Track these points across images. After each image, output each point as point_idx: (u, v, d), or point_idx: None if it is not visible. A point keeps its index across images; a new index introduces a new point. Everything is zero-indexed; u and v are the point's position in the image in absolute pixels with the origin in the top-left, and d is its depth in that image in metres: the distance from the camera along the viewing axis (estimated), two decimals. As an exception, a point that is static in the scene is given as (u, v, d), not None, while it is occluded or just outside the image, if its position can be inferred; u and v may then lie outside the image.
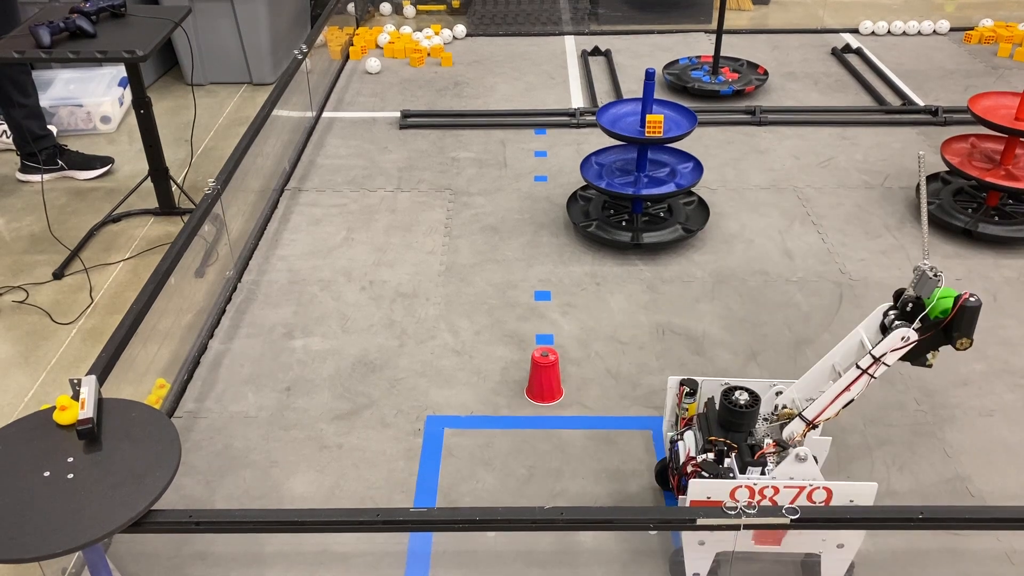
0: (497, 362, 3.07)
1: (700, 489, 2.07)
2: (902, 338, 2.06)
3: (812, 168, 4.29)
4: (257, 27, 5.31)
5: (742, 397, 2.26)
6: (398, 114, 4.86)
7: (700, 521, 1.97)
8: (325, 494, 2.56)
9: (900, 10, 6.35)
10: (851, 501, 2.07)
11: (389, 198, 4.09)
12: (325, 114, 4.95)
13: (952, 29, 6.00)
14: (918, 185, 2.18)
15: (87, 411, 2.07)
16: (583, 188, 3.97)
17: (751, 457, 2.20)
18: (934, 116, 4.72)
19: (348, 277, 3.53)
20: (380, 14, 6.62)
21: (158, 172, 3.92)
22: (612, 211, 3.80)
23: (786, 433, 2.20)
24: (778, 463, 2.17)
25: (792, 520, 1.95)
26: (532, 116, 4.85)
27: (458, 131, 4.71)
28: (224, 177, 3.39)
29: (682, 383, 2.39)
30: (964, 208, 3.76)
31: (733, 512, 1.96)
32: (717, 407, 2.31)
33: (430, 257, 3.65)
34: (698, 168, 3.73)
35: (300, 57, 4.49)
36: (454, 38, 6.04)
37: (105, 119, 4.84)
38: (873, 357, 2.09)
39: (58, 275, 3.61)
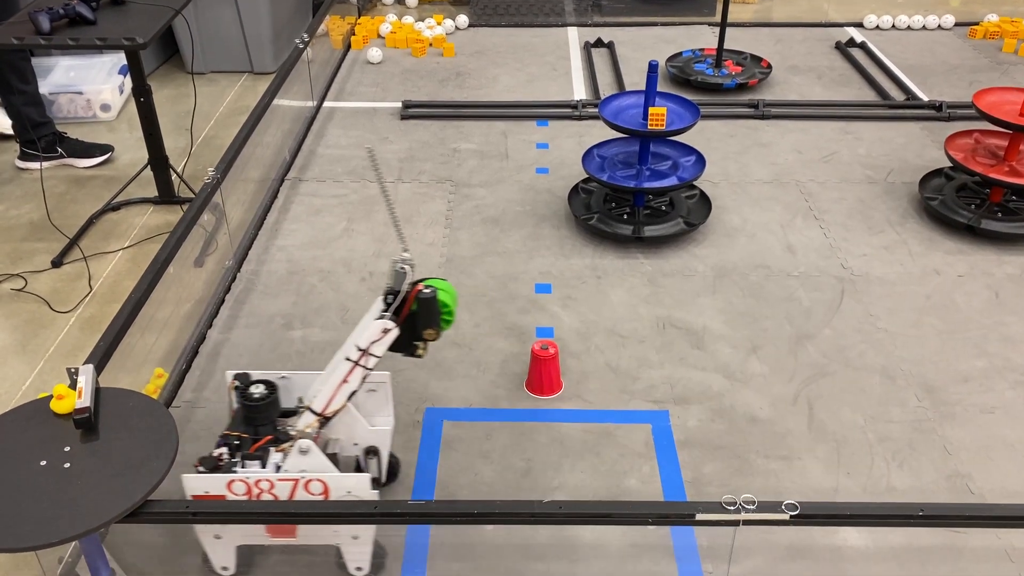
0: (497, 354, 3.06)
1: (195, 484, 2.08)
2: (382, 330, 2.09)
3: (815, 162, 4.27)
4: (258, 15, 5.28)
5: (257, 390, 2.26)
6: (399, 104, 4.84)
7: (699, 516, 1.96)
8: (323, 485, 2.56)
9: (905, 4, 6.31)
10: (348, 493, 2.06)
11: (390, 189, 4.07)
12: (326, 104, 4.93)
13: (957, 24, 5.97)
14: (381, 184, 2.22)
15: (84, 400, 2.06)
16: (585, 180, 3.95)
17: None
18: (938, 111, 4.70)
19: (348, 268, 3.52)
20: (382, 3, 6.58)
21: (158, 161, 3.91)
22: (614, 204, 3.78)
23: (300, 425, 2.19)
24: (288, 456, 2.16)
25: (792, 516, 1.95)
26: (534, 108, 4.83)
27: (459, 122, 4.69)
28: (224, 166, 3.38)
29: (235, 376, 2.35)
30: (967, 204, 3.75)
31: (732, 508, 1.95)
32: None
33: (430, 249, 3.64)
34: (700, 161, 3.71)
35: (301, 46, 4.47)
36: (456, 28, 6.02)
37: (105, 107, 4.82)
38: (359, 349, 2.10)
39: (57, 263, 3.59)
